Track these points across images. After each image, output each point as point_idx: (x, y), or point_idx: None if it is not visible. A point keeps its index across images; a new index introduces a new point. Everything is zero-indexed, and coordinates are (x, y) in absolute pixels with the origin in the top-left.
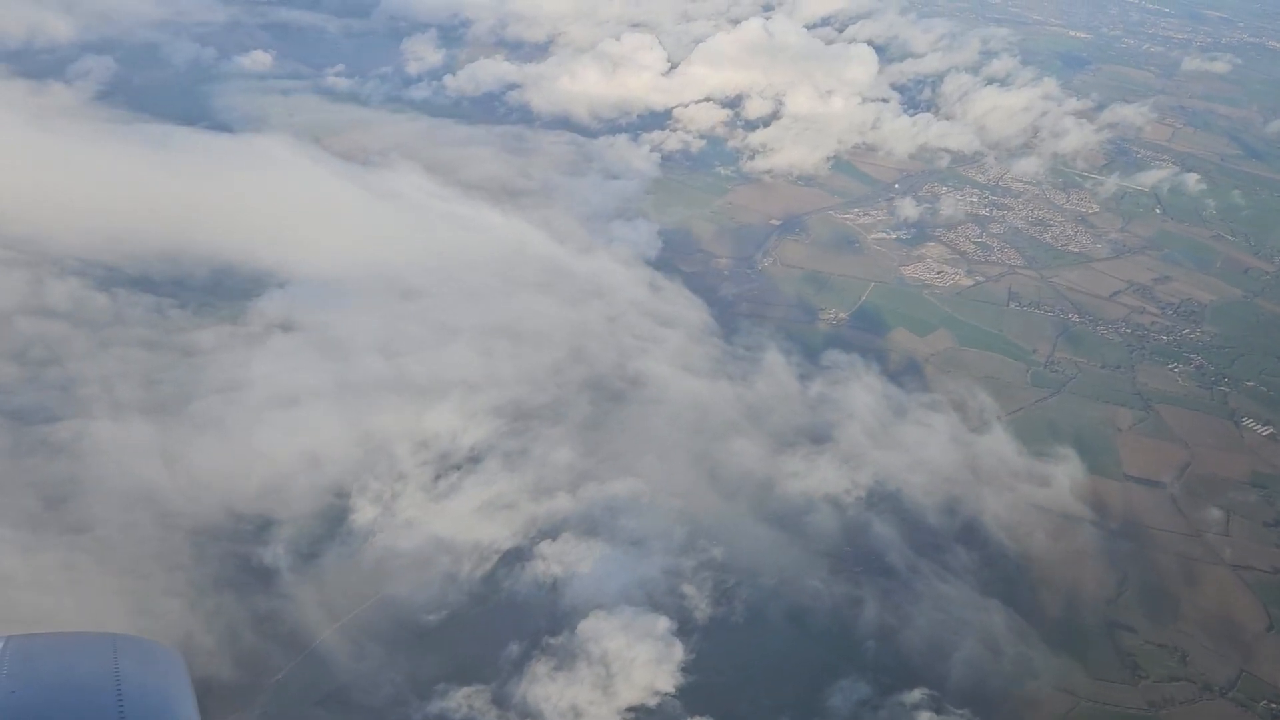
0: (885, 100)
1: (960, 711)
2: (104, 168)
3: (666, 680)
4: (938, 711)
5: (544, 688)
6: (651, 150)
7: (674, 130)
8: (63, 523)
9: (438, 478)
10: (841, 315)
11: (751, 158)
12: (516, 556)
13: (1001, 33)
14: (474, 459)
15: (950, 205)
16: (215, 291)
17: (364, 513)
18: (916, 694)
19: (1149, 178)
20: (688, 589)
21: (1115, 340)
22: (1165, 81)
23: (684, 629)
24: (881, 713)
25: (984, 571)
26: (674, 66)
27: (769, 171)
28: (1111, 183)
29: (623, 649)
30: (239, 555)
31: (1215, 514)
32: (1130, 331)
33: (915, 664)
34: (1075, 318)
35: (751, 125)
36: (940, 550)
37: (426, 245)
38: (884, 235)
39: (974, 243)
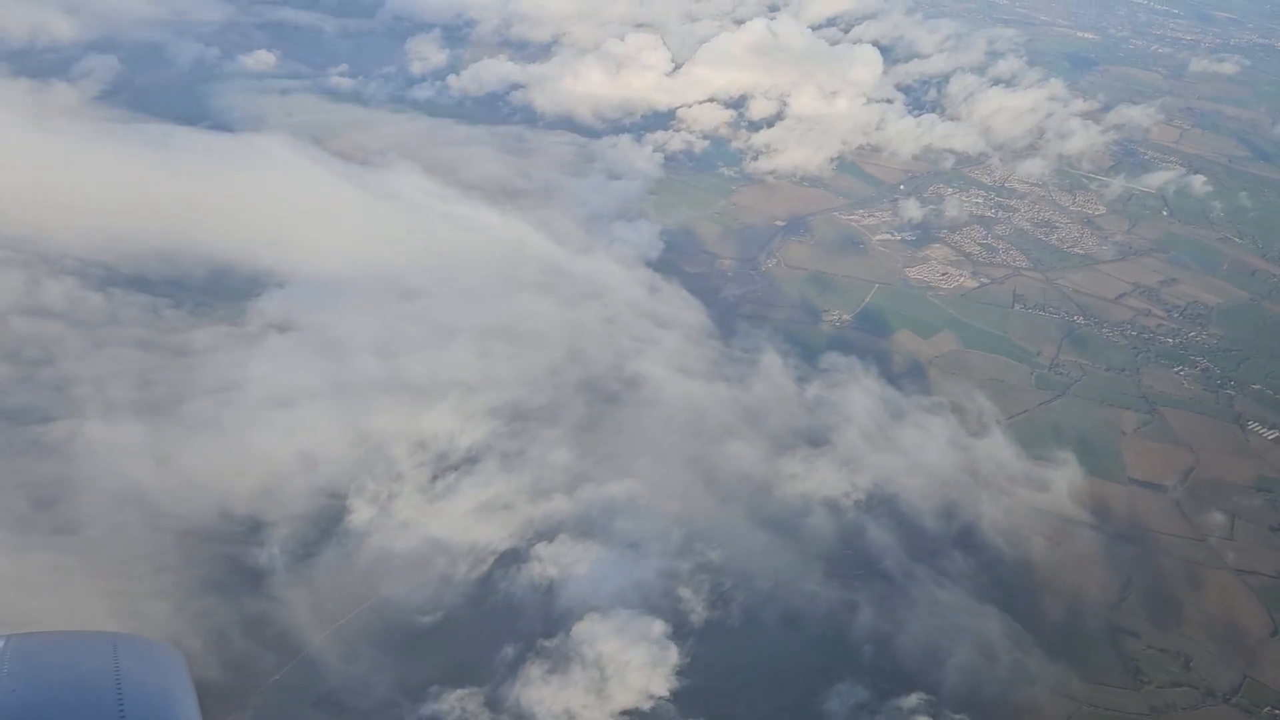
0: (890, 101)
1: (958, 716)
2: (102, 167)
3: (661, 684)
4: (935, 717)
5: (538, 691)
6: (655, 151)
7: (678, 131)
8: (52, 524)
9: (435, 478)
10: (845, 317)
11: (755, 158)
12: (513, 558)
13: (1008, 33)
14: (471, 460)
15: (955, 207)
16: (212, 292)
17: (360, 513)
18: (914, 699)
19: (1155, 179)
20: (684, 592)
21: (1120, 343)
22: (1173, 83)
23: (680, 632)
24: (879, 718)
25: (984, 576)
26: (678, 67)
27: (773, 172)
28: (1117, 184)
29: (617, 652)
30: (232, 557)
31: (1220, 518)
32: (1136, 334)
33: (913, 669)
34: (1080, 320)
35: (755, 126)
36: (940, 554)
37: (425, 246)
38: (888, 237)
39: (979, 244)
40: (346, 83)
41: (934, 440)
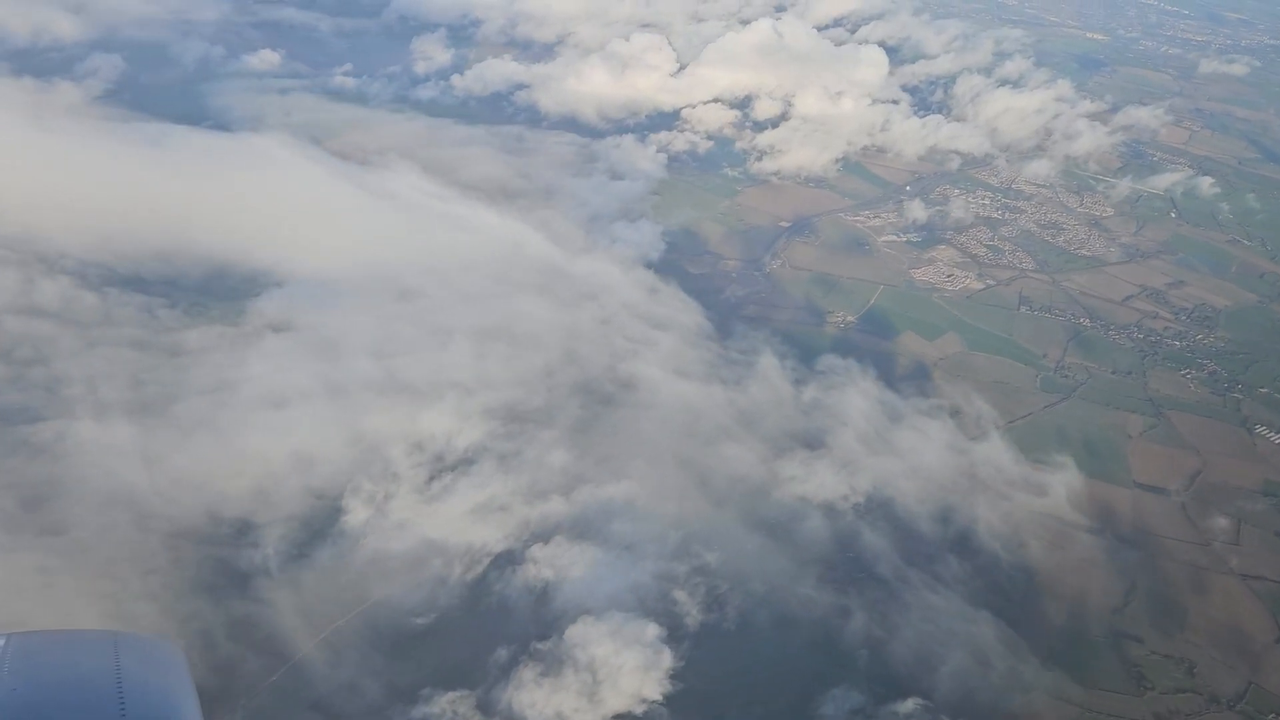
0: (895, 102)
1: None
2: (98, 166)
3: (654, 688)
4: None
5: (530, 694)
6: (658, 151)
7: (682, 131)
8: (39, 524)
9: (431, 479)
10: (850, 318)
11: (760, 159)
12: (508, 560)
13: (1016, 34)
14: (468, 461)
15: (961, 208)
16: (208, 292)
17: (356, 514)
18: (910, 704)
19: (1163, 181)
20: (679, 595)
21: (1127, 345)
22: (1182, 84)
23: (674, 635)
24: None
25: (985, 579)
26: (683, 67)
27: (777, 173)
28: (1125, 186)
29: (610, 655)
30: (227, 559)
31: (1225, 523)
32: (1143, 337)
33: (912, 674)
34: (1087, 322)
35: (760, 126)
36: (939, 558)
37: (423, 246)
38: (894, 238)
39: (985, 246)
40: (350, 82)
41: (939, 443)
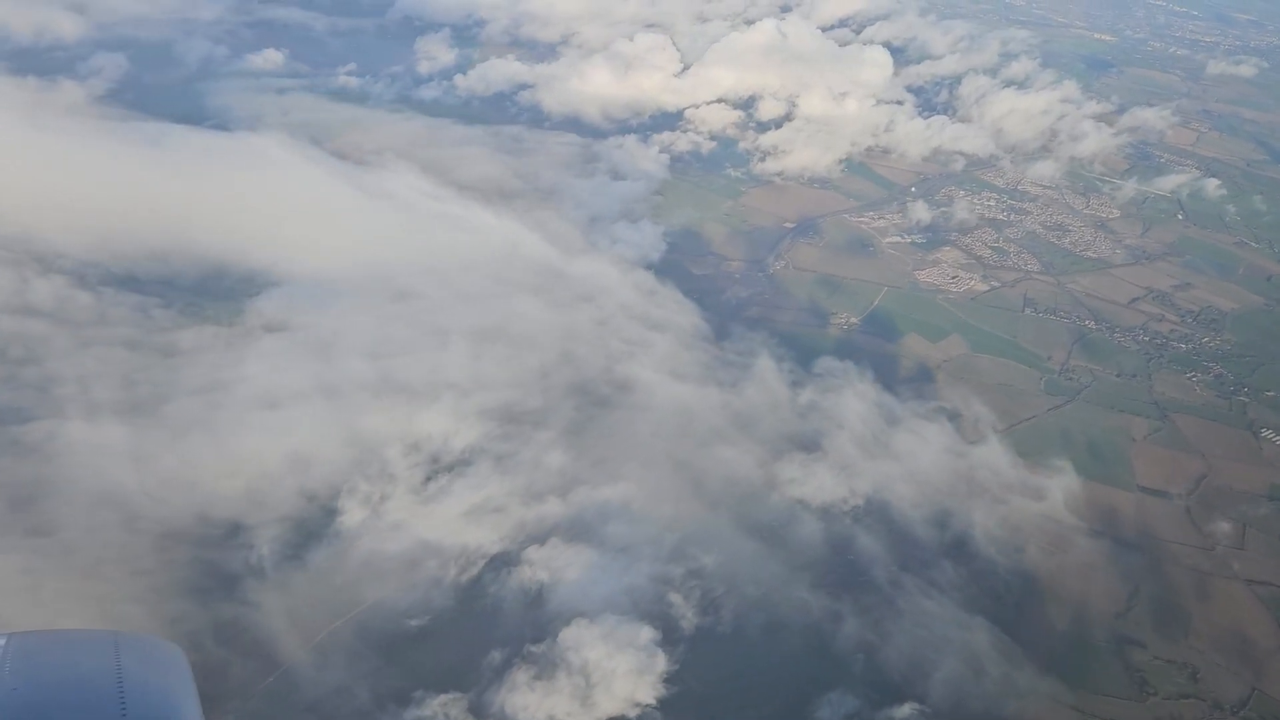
0: (900, 102)
1: None
2: (97, 166)
3: (648, 691)
4: None
5: (522, 697)
6: (661, 151)
7: (685, 131)
8: (28, 525)
9: (427, 480)
10: (853, 320)
11: (764, 159)
12: (503, 561)
13: (1022, 35)
14: (464, 462)
15: (966, 209)
16: (204, 292)
17: (351, 515)
18: (907, 709)
19: (1170, 182)
20: (674, 597)
21: (1132, 348)
22: (1190, 85)
23: (669, 638)
24: None
25: (986, 582)
26: (687, 67)
27: (781, 173)
28: (1131, 187)
29: (604, 658)
30: (216, 560)
31: (1230, 527)
32: (1148, 339)
33: (907, 678)
34: (1092, 324)
35: (764, 127)
36: (938, 561)
37: (421, 247)
38: (898, 239)
39: (990, 247)
40: (354, 82)
41: (937, 447)
